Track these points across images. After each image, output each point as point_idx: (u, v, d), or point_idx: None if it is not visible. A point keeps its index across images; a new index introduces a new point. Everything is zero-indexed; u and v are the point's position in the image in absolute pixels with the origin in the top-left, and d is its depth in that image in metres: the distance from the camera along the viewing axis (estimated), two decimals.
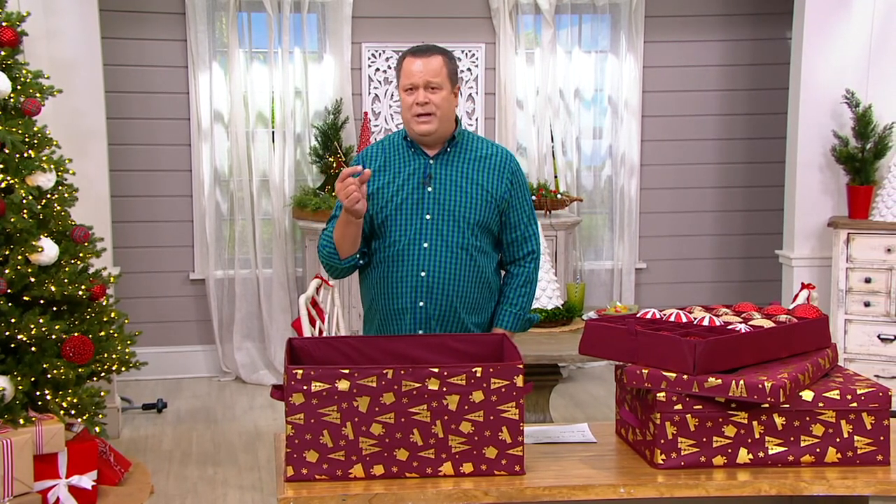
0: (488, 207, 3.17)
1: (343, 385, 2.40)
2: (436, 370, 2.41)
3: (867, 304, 5.62)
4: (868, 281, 5.61)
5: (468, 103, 6.73)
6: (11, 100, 4.08)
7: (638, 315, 2.80)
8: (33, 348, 3.90)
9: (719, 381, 2.46)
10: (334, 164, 6.31)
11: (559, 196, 6.37)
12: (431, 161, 3.19)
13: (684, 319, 2.74)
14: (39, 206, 4.04)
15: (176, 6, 6.41)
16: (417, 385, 2.41)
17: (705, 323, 2.70)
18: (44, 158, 4.08)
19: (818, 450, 2.54)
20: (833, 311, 5.67)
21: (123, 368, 4.20)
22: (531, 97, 6.76)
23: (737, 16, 6.91)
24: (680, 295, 6.97)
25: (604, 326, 2.69)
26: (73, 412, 3.90)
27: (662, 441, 2.51)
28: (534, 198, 6.18)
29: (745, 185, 7.07)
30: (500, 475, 2.45)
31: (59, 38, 5.38)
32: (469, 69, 6.69)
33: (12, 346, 3.91)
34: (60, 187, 4.18)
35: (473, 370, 2.42)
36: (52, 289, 3.96)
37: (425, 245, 3.14)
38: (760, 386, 2.43)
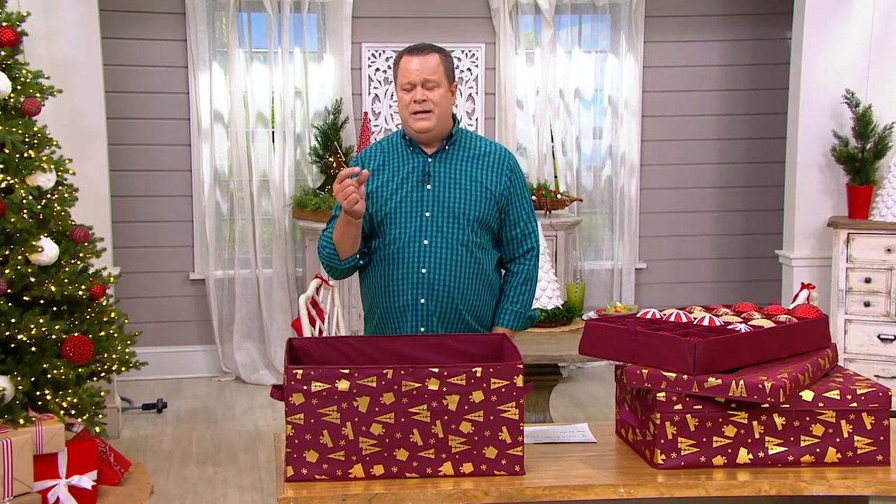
0: (487, 204, 3.18)
1: (343, 385, 2.40)
2: (436, 370, 2.41)
3: (867, 304, 5.62)
4: (868, 281, 5.61)
5: (468, 103, 6.73)
6: (11, 100, 4.08)
7: (638, 315, 2.80)
8: (33, 348, 3.90)
9: (719, 381, 2.46)
10: (334, 164, 6.30)
11: (559, 196, 6.37)
12: (430, 159, 3.19)
13: (684, 319, 2.74)
14: (39, 206, 4.04)
15: (176, 6, 6.41)
16: (417, 385, 2.41)
17: (705, 323, 2.70)
18: (44, 158, 4.08)
19: (818, 450, 2.54)
20: (833, 311, 5.67)
21: (123, 368, 4.20)
22: (531, 97, 6.76)
23: (737, 16, 6.91)
24: (680, 295, 6.97)
25: (604, 326, 2.69)
26: (73, 412, 3.90)
27: (662, 441, 2.51)
28: (534, 198, 6.18)
29: (745, 185, 7.07)
30: (500, 475, 2.45)
31: (59, 38, 5.38)
32: (469, 69, 6.69)
33: (12, 346, 3.91)
34: (60, 187, 4.18)
35: (473, 370, 2.42)
36: (52, 289, 3.95)
37: (425, 242, 3.14)
38: (760, 386, 2.42)
